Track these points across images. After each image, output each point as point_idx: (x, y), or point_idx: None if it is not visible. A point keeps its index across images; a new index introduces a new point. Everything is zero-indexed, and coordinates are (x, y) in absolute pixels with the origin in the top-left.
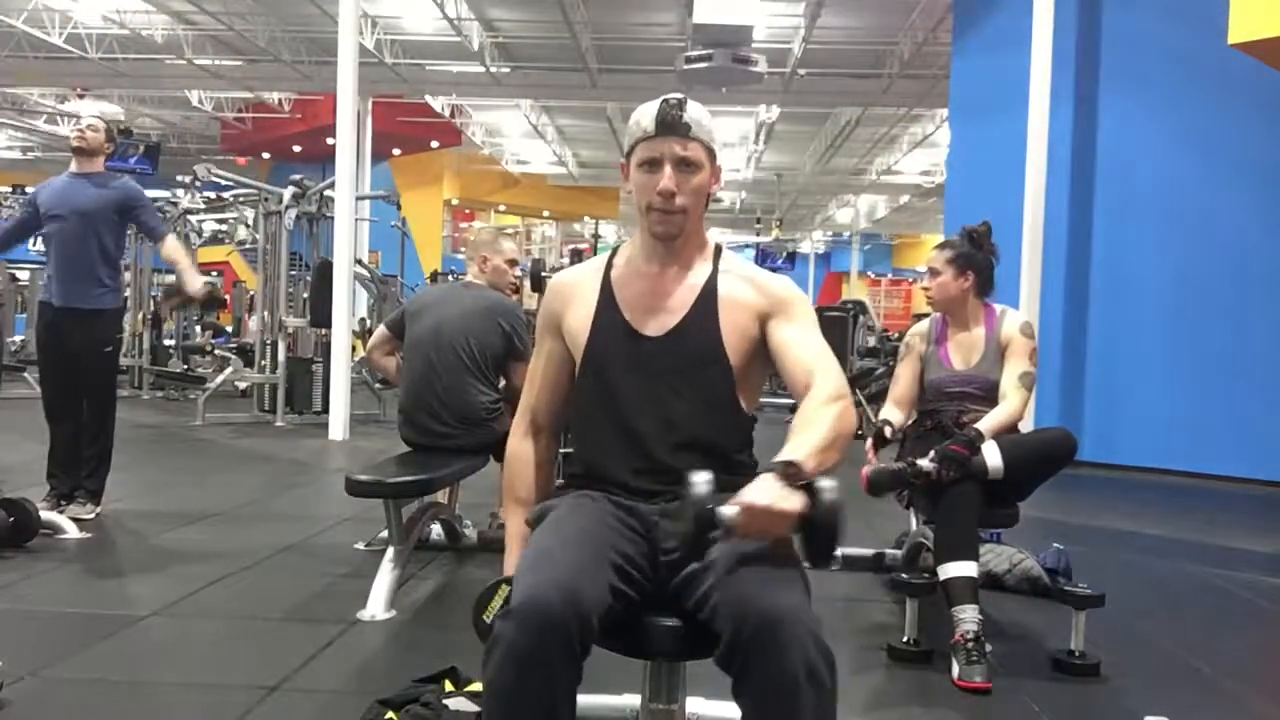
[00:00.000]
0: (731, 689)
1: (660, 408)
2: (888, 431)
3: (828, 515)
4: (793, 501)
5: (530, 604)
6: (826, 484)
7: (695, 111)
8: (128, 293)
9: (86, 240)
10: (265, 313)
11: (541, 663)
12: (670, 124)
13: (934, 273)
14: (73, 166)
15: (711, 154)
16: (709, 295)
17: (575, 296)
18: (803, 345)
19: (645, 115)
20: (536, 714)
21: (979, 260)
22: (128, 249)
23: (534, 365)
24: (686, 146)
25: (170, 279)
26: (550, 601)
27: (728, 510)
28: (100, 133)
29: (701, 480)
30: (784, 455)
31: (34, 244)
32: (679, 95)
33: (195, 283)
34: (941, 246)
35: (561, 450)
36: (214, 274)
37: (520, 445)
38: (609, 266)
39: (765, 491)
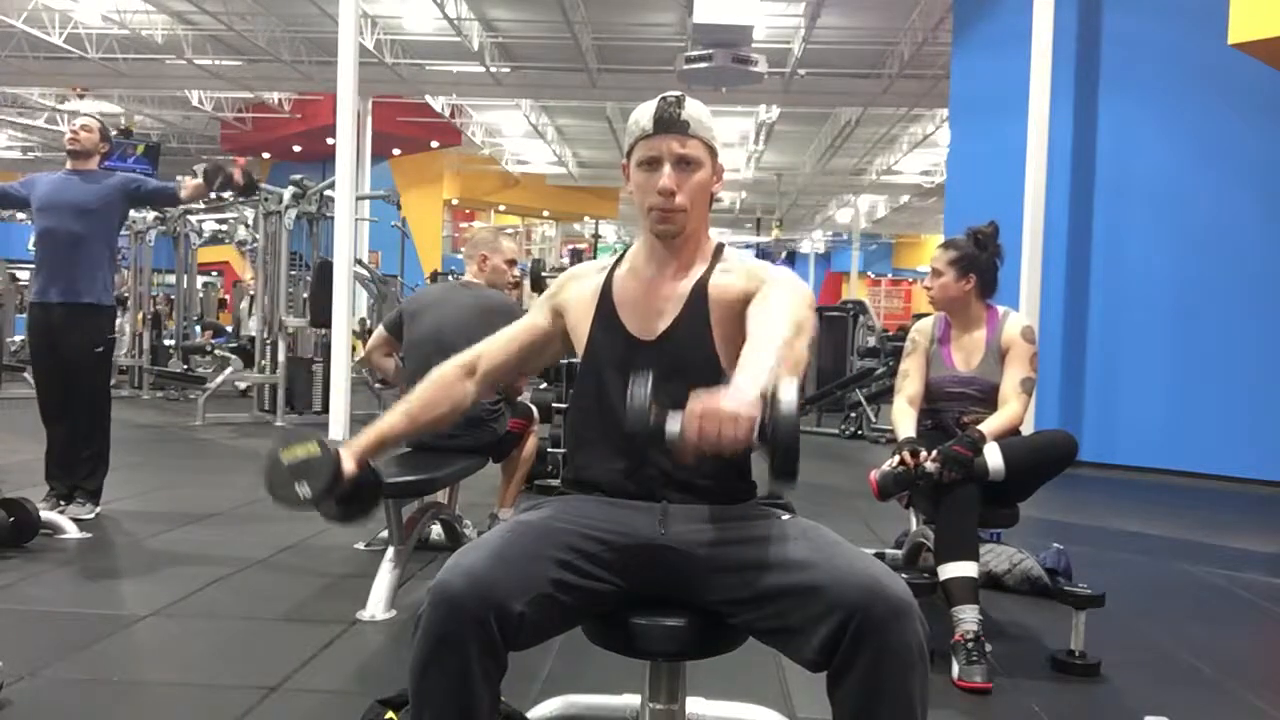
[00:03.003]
0: (834, 670)
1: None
2: (922, 458)
3: (786, 423)
4: (747, 405)
5: (438, 587)
6: (785, 389)
7: (694, 109)
8: (128, 293)
9: (81, 237)
10: (266, 299)
11: (450, 643)
12: (668, 122)
13: (936, 273)
14: (67, 165)
15: (712, 152)
16: (699, 295)
17: (583, 292)
18: (762, 304)
19: (644, 114)
20: (449, 691)
21: (982, 261)
22: (127, 249)
23: (511, 326)
24: (685, 144)
25: (170, 279)
26: (454, 585)
27: (674, 424)
28: (94, 132)
29: (641, 387)
30: (740, 369)
31: (31, 243)
32: (677, 93)
33: (234, 170)
34: (945, 246)
35: (562, 451)
36: (214, 274)
37: (445, 369)
38: (613, 268)
39: (716, 394)
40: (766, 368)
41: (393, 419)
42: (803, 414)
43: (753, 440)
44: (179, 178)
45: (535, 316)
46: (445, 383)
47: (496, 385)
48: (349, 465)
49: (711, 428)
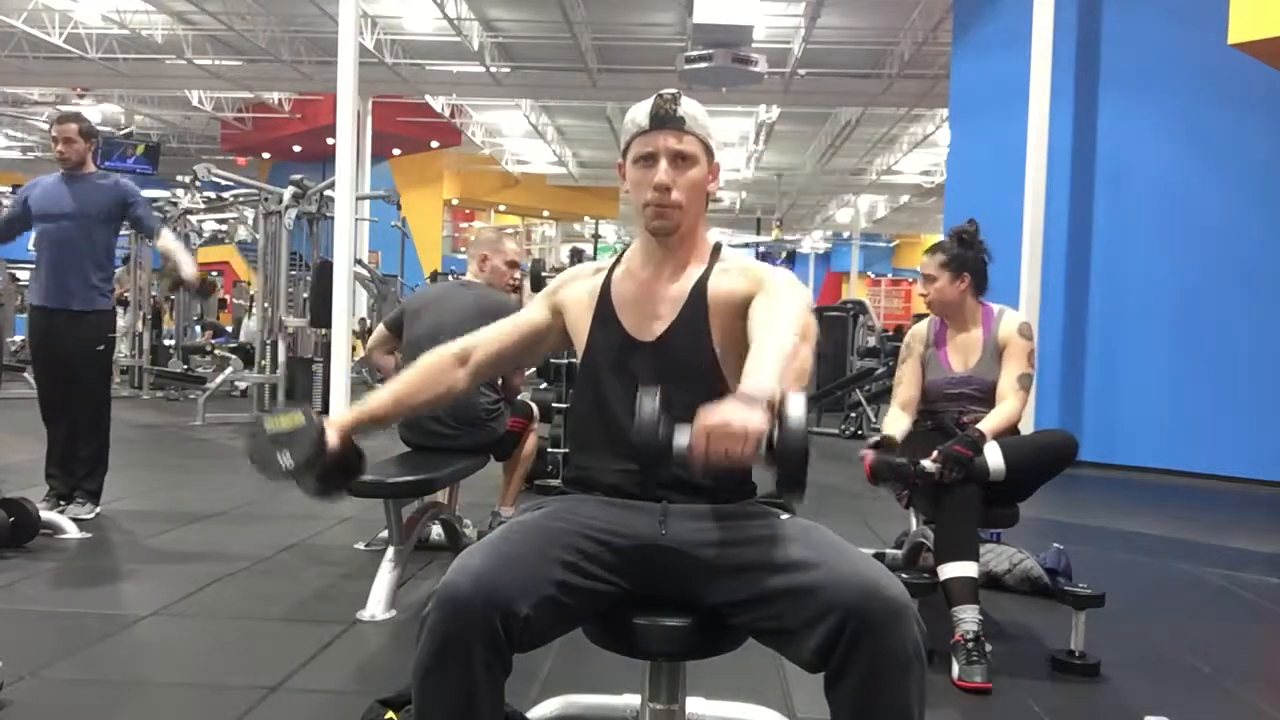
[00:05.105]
0: (831, 671)
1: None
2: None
3: (795, 435)
4: (756, 419)
5: (444, 589)
6: (794, 401)
7: (690, 106)
8: (128, 293)
9: (79, 241)
10: (265, 304)
11: (456, 645)
12: (664, 118)
13: (929, 279)
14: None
15: (708, 149)
16: (699, 296)
17: (581, 293)
18: (765, 307)
19: (640, 111)
20: (453, 693)
21: (971, 260)
22: (127, 248)
23: (507, 320)
24: (681, 140)
25: None
26: (461, 588)
27: (683, 437)
28: (78, 140)
29: (650, 400)
30: (746, 377)
31: (32, 244)
32: (673, 90)
33: (189, 268)
34: (933, 251)
35: (563, 451)
36: (214, 274)
37: (437, 356)
38: (611, 269)
39: (724, 409)
40: (773, 376)
41: (380, 398)
42: None
43: (759, 456)
44: (162, 228)
45: (532, 312)
46: (436, 369)
47: (486, 377)
48: (332, 440)
49: (719, 445)
